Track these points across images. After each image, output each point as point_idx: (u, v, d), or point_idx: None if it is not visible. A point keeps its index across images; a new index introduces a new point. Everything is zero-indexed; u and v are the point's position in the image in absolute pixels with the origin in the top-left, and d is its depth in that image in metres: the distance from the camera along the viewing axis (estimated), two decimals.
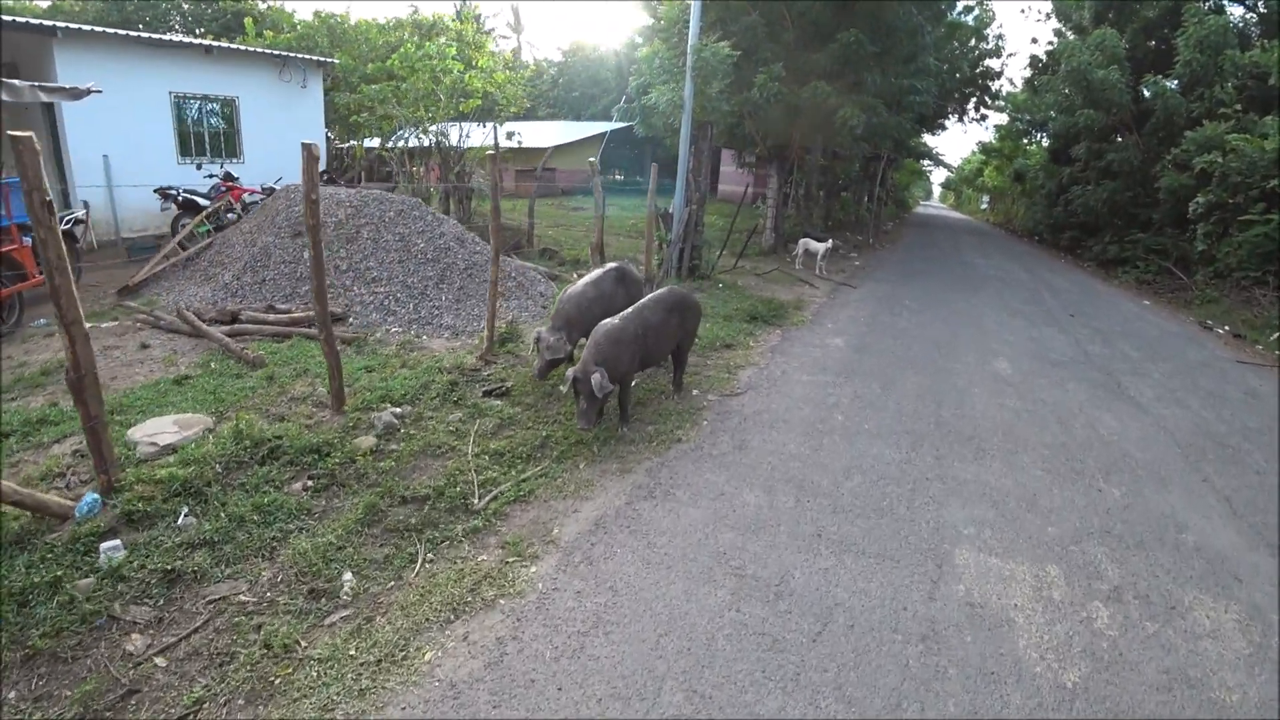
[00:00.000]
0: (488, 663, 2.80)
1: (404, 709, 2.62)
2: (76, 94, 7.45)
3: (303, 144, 4.38)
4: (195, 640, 3.08)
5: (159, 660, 2.99)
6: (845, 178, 17.50)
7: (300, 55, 12.63)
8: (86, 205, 10.63)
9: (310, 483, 4.14)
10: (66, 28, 9.74)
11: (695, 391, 6.10)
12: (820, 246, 13.02)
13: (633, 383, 6.05)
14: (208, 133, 12.11)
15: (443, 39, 12.61)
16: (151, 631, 3.16)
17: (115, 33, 10.32)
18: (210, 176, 11.31)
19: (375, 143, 12.98)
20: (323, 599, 3.31)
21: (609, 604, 3.14)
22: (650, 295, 5.49)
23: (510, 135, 13.16)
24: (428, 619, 3.08)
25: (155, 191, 10.15)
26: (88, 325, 6.98)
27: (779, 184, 13.82)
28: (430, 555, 3.60)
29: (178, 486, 3.90)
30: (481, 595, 3.21)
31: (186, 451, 4.26)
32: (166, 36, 11.11)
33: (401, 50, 11.28)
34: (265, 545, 3.64)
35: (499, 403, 5.44)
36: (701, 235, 10.62)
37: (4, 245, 6.81)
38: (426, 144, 12.37)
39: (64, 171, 10.65)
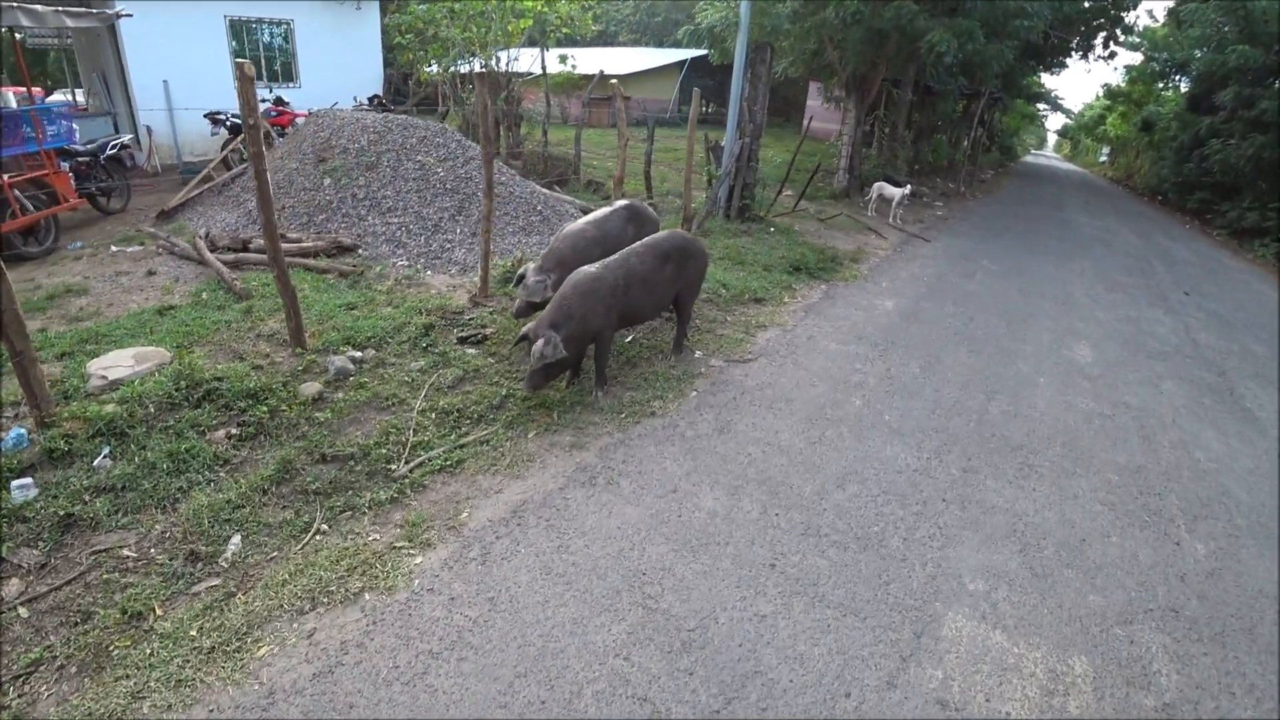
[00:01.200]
0: (318, 671, 2.43)
1: (210, 710, 2.31)
2: (105, 18, 7.38)
3: (237, 62, 3.94)
4: (64, 593, 2.92)
5: (22, 610, 2.84)
6: (944, 118, 15.28)
7: None
8: (149, 130, 10.94)
9: (235, 431, 3.90)
10: None
11: (698, 353, 5.43)
12: (896, 192, 11.60)
13: (628, 338, 5.47)
14: (264, 57, 12.08)
15: None
16: (31, 578, 3.03)
17: None
18: (262, 101, 11.29)
19: (435, 68, 12.54)
20: (200, 563, 3.06)
21: (480, 620, 2.66)
22: (643, 240, 4.80)
23: (563, 59, 12.35)
24: (284, 605, 2.75)
25: (205, 116, 10.22)
26: (114, 249, 7.21)
27: (857, 119, 12.29)
28: (325, 527, 3.27)
29: (102, 425, 3.76)
30: (349, 585, 2.84)
31: (129, 388, 4.12)
32: None
33: None
34: (169, 496, 3.43)
35: (473, 351, 5.02)
36: (755, 172, 9.59)
37: (38, 170, 6.92)
38: (478, 68, 11.78)
39: (129, 96, 10.92)
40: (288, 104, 11.27)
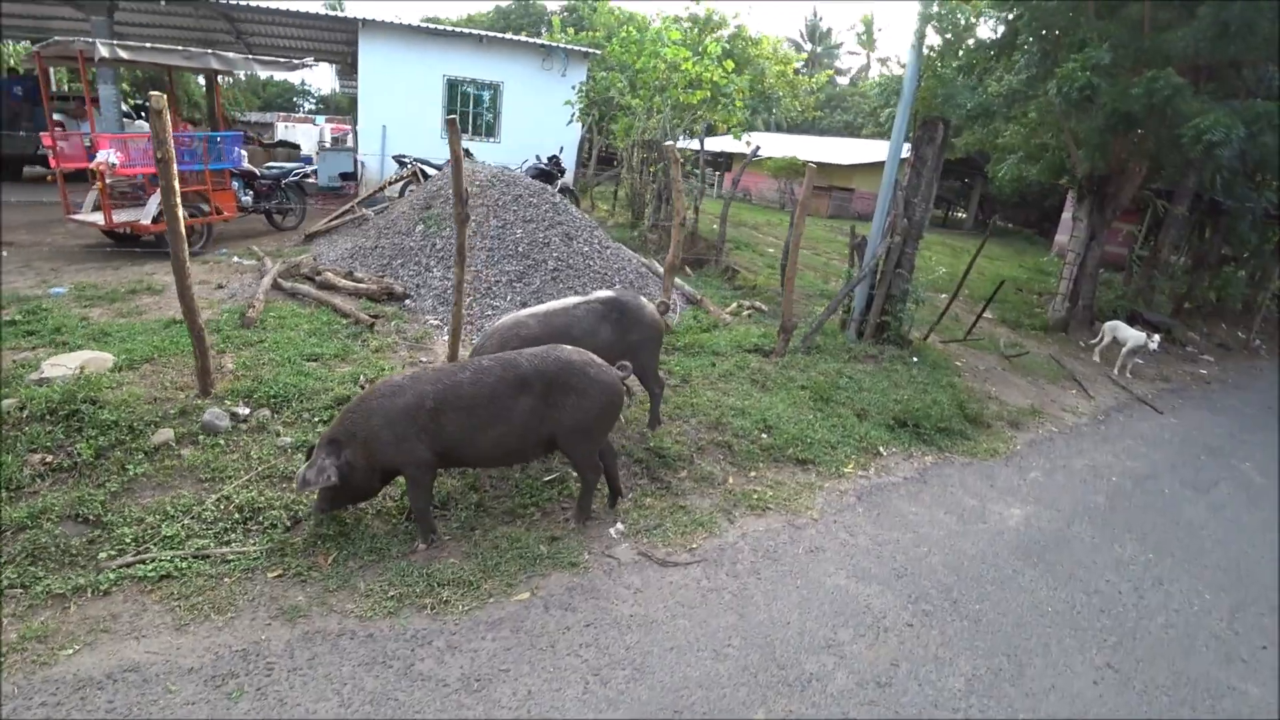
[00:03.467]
0: None
1: None
2: (291, 66, 8.52)
3: (151, 98, 3.84)
4: None
5: None
6: (1246, 244, 10.75)
7: (564, 46, 13.04)
8: (363, 165, 12.66)
9: (51, 459, 3.67)
10: (365, 20, 11.58)
11: (617, 527, 3.80)
12: (1134, 336, 8.48)
13: (550, 474, 4.26)
14: (472, 113, 13.34)
15: (665, 21, 11.61)
16: None
17: (404, 24, 11.93)
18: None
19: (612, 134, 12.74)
20: None
21: None
22: (502, 353, 3.54)
23: (737, 135, 11.57)
24: None
25: (393, 158, 11.45)
26: (235, 259, 8.13)
27: (1091, 233, 9.31)
28: None
29: None
30: None
31: (28, 390, 4.18)
32: (446, 27, 12.41)
33: (622, 33, 10.64)
34: None
35: None
36: (906, 282, 7.62)
37: (199, 185, 8.14)
38: (649, 138, 11.59)
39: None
40: (471, 155, 12.18)
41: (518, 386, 3.28)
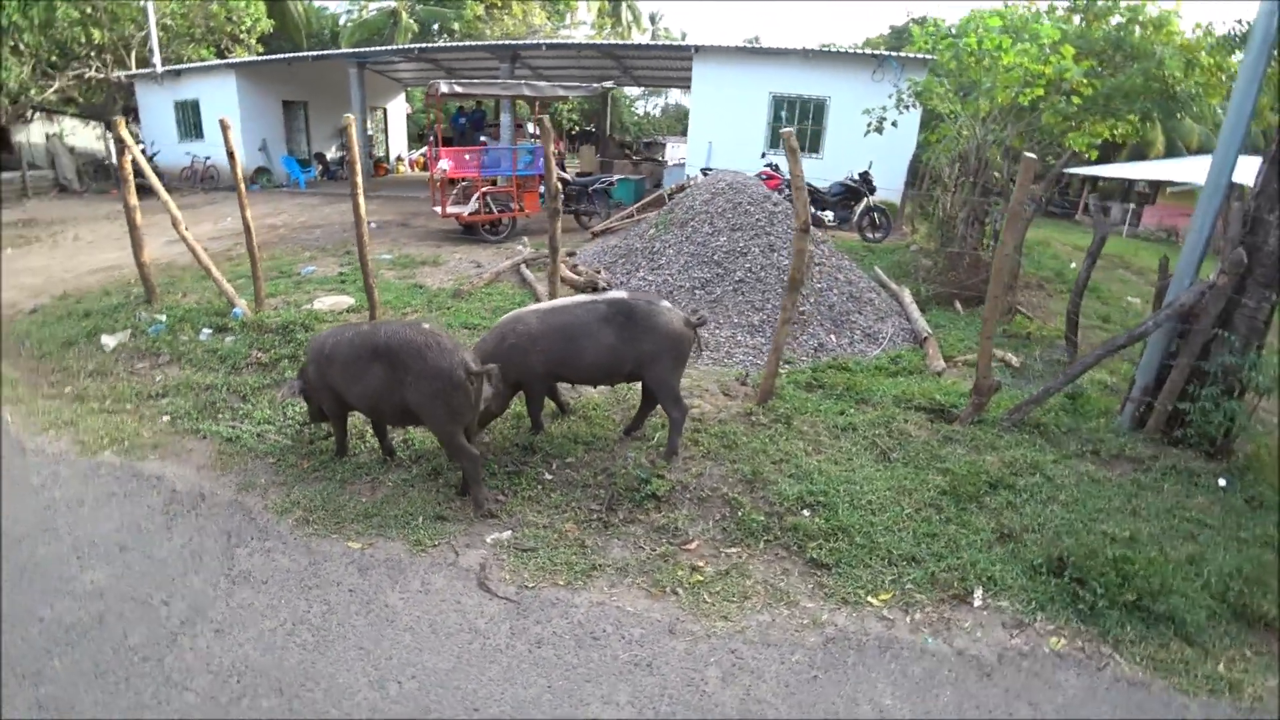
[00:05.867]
0: None
1: None
2: (592, 90, 9.97)
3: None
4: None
5: None
6: None
7: (895, 55, 11.77)
8: (688, 178, 13.85)
9: (262, 356, 5.45)
10: (699, 46, 12.57)
11: (498, 536, 3.46)
12: None
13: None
14: (797, 128, 13.23)
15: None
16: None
17: (733, 46, 12.52)
18: (768, 166, 12.58)
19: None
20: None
21: None
22: (385, 320, 3.99)
23: (1081, 146, 8.69)
24: None
25: (700, 170, 12.25)
26: (519, 246, 9.96)
27: None
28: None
29: (238, 322, 5.94)
30: None
31: (290, 312, 6.18)
32: (773, 46, 12.52)
33: (929, 27, 9.07)
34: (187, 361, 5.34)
35: None
36: (1240, 354, 4.70)
37: (507, 188, 10.23)
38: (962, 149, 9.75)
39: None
40: (777, 169, 12.19)
41: (373, 353, 3.53)
